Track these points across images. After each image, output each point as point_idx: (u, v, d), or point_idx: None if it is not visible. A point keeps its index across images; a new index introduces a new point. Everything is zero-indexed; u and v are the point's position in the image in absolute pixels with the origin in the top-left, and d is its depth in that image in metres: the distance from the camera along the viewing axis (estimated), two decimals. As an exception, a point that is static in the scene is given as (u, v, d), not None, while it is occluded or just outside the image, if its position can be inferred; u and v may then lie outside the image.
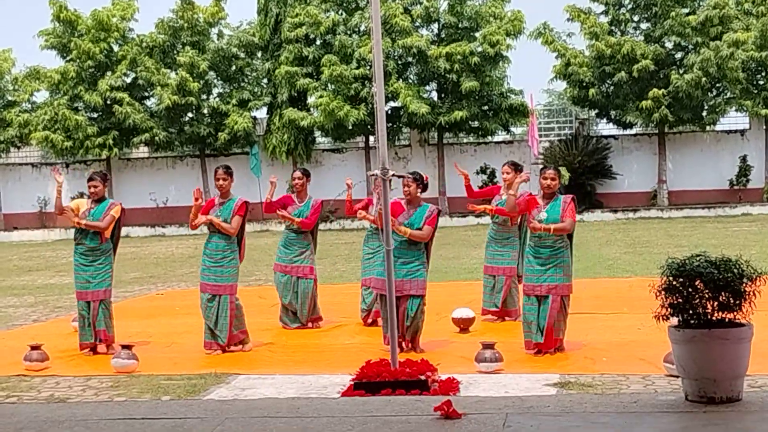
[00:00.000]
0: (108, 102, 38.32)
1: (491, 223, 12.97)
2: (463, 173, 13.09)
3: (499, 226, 12.75)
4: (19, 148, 41.78)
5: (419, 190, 10.92)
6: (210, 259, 11.32)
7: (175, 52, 39.15)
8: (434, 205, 11.06)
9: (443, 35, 37.75)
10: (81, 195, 40.30)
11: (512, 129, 38.99)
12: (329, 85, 36.75)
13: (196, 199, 11.25)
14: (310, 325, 12.80)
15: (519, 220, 12.55)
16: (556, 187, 10.58)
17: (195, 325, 13.17)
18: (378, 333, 11.63)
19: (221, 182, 11.43)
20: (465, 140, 40.20)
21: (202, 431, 6.75)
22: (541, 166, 30.23)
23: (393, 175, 9.25)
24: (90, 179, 11.69)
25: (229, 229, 11.23)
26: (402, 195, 11.01)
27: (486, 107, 37.17)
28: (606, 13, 37.38)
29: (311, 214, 12.82)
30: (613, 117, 37.56)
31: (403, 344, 10.64)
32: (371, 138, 37.68)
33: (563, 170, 32.73)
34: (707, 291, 6.95)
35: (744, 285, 6.96)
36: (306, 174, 13.19)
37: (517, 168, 12.57)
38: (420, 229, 10.73)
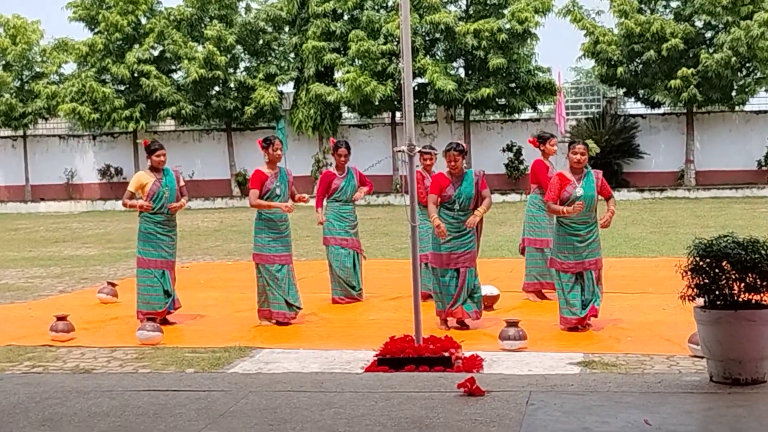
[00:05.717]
0: (135, 75, 38.39)
1: (533, 195, 12.65)
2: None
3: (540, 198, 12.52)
4: (46, 119, 41.97)
5: (464, 161, 10.87)
6: (274, 231, 11.51)
7: (203, 25, 39.14)
8: (476, 168, 10.82)
9: (471, 11, 37.55)
10: (108, 167, 40.56)
11: (539, 107, 38.78)
12: (356, 60, 36.64)
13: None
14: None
15: None
16: (586, 161, 10.55)
17: (219, 299, 13.30)
18: (403, 308, 11.66)
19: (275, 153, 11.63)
20: (492, 117, 40.01)
21: (225, 404, 6.78)
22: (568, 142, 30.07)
23: (419, 151, 9.22)
24: (160, 149, 11.72)
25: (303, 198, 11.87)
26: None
27: (513, 84, 36.98)
28: (636, -10, 37.07)
29: (366, 181, 13.44)
30: (641, 96, 37.25)
31: (449, 317, 10.74)
32: (398, 114, 37.59)
33: (591, 143, 32.47)
34: (734, 272, 6.90)
35: (771, 266, 6.90)
36: (349, 148, 13.69)
37: (541, 140, 12.53)
38: (483, 198, 10.71)
